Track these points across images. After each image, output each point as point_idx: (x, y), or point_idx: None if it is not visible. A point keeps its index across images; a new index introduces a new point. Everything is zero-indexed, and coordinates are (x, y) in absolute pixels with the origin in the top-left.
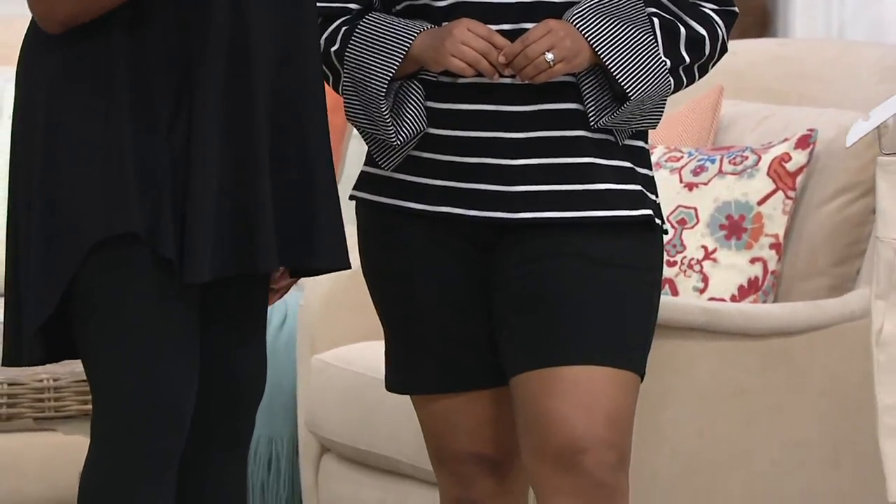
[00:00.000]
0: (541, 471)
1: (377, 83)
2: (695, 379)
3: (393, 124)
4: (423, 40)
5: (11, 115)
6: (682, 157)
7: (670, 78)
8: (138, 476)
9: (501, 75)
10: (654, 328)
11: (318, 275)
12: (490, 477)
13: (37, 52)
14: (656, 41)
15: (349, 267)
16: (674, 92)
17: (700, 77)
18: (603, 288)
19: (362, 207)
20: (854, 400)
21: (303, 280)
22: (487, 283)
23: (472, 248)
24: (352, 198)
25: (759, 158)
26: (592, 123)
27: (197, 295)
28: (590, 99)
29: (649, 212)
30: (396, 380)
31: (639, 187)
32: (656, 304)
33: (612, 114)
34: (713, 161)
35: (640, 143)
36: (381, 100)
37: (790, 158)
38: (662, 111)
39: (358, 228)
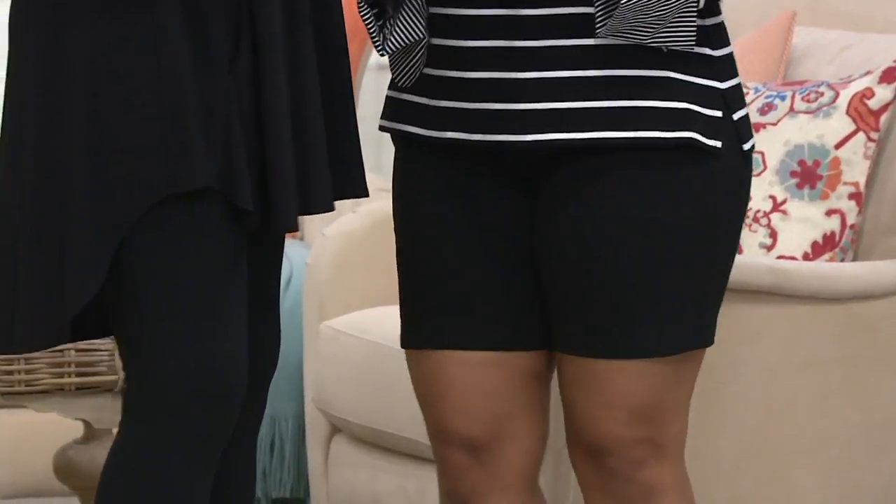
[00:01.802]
0: (575, 462)
1: None
2: (762, 349)
3: (378, 32)
4: None
5: (8, 64)
6: (747, 93)
7: None
8: (189, 461)
9: None
10: (724, 282)
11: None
12: (477, 468)
13: None
14: None
15: (331, 209)
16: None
17: None
18: (642, 263)
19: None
20: None
21: (310, 236)
22: (522, 225)
23: (504, 183)
24: (381, 128)
25: (837, 95)
26: (597, 32)
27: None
28: (600, 2)
29: (690, 134)
30: (402, 333)
31: (684, 104)
32: (723, 256)
33: (611, 20)
34: (783, 98)
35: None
36: (362, 2)
37: (873, 95)
38: (693, 24)
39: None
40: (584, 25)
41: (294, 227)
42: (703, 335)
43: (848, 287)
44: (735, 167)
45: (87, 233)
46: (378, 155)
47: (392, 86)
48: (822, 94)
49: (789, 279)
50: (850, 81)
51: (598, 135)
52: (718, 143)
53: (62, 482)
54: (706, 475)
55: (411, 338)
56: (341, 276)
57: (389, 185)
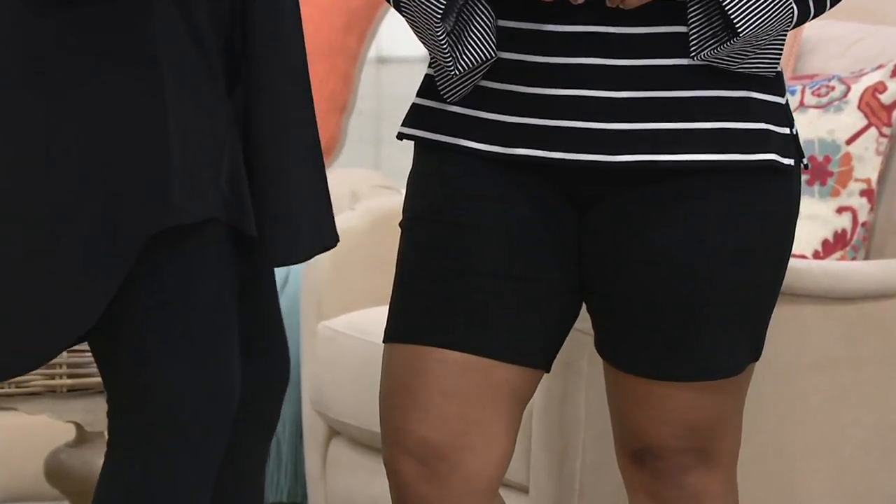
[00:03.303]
0: (622, 464)
1: (433, 2)
2: (772, 349)
3: (451, 50)
4: None
5: None
6: None
7: (794, 6)
8: (193, 486)
9: None
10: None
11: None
12: (428, 480)
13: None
14: None
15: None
16: (797, 24)
17: (833, 4)
18: (727, 290)
19: (416, 147)
20: None
21: None
22: (573, 244)
23: (560, 201)
24: (400, 136)
25: (849, 89)
26: (692, 54)
27: None
28: (695, 23)
29: (771, 156)
30: (386, 328)
31: (763, 125)
32: (784, 273)
33: (717, 47)
34: (793, 92)
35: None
36: (437, 22)
37: (886, 89)
38: (781, 51)
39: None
40: (677, 45)
41: (304, 258)
42: (759, 349)
43: (859, 286)
44: (798, 184)
45: (89, 262)
46: (377, 153)
47: (427, 94)
48: (833, 89)
49: (799, 278)
50: (861, 75)
51: (692, 157)
52: (791, 161)
53: (53, 486)
54: None
55: (395, 331)
56: (339, 275)
57: (388, 183)
